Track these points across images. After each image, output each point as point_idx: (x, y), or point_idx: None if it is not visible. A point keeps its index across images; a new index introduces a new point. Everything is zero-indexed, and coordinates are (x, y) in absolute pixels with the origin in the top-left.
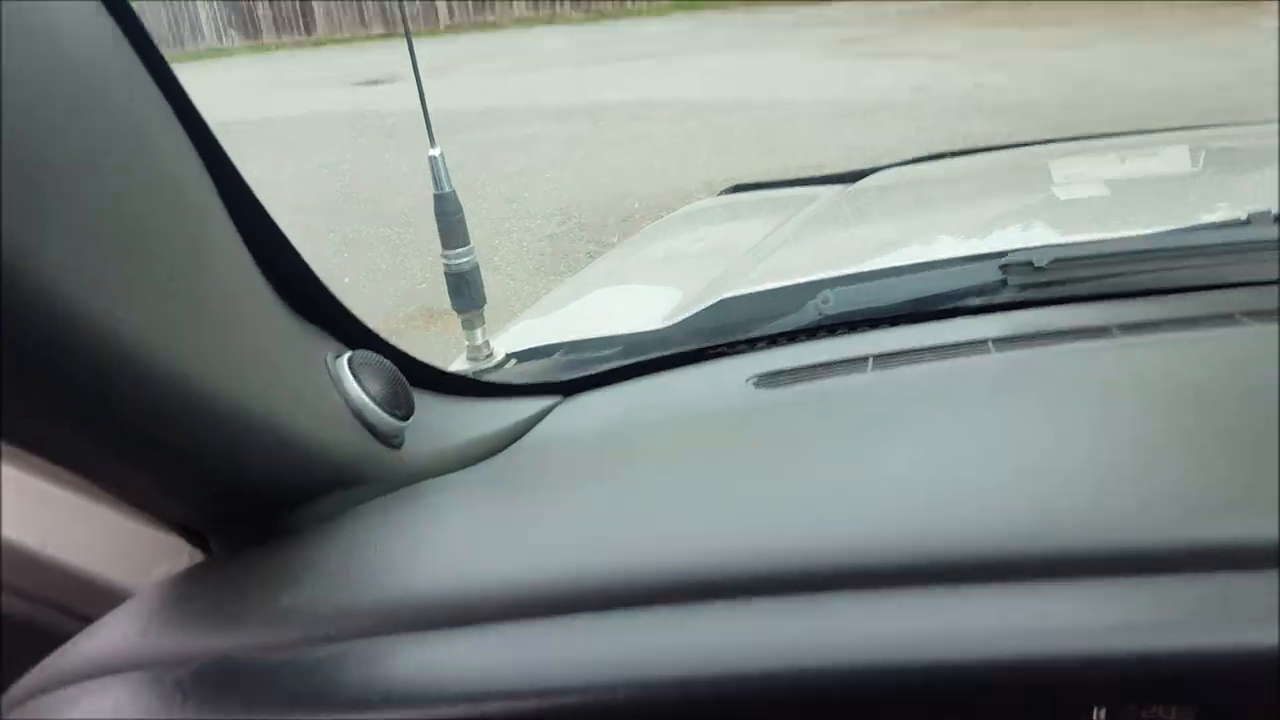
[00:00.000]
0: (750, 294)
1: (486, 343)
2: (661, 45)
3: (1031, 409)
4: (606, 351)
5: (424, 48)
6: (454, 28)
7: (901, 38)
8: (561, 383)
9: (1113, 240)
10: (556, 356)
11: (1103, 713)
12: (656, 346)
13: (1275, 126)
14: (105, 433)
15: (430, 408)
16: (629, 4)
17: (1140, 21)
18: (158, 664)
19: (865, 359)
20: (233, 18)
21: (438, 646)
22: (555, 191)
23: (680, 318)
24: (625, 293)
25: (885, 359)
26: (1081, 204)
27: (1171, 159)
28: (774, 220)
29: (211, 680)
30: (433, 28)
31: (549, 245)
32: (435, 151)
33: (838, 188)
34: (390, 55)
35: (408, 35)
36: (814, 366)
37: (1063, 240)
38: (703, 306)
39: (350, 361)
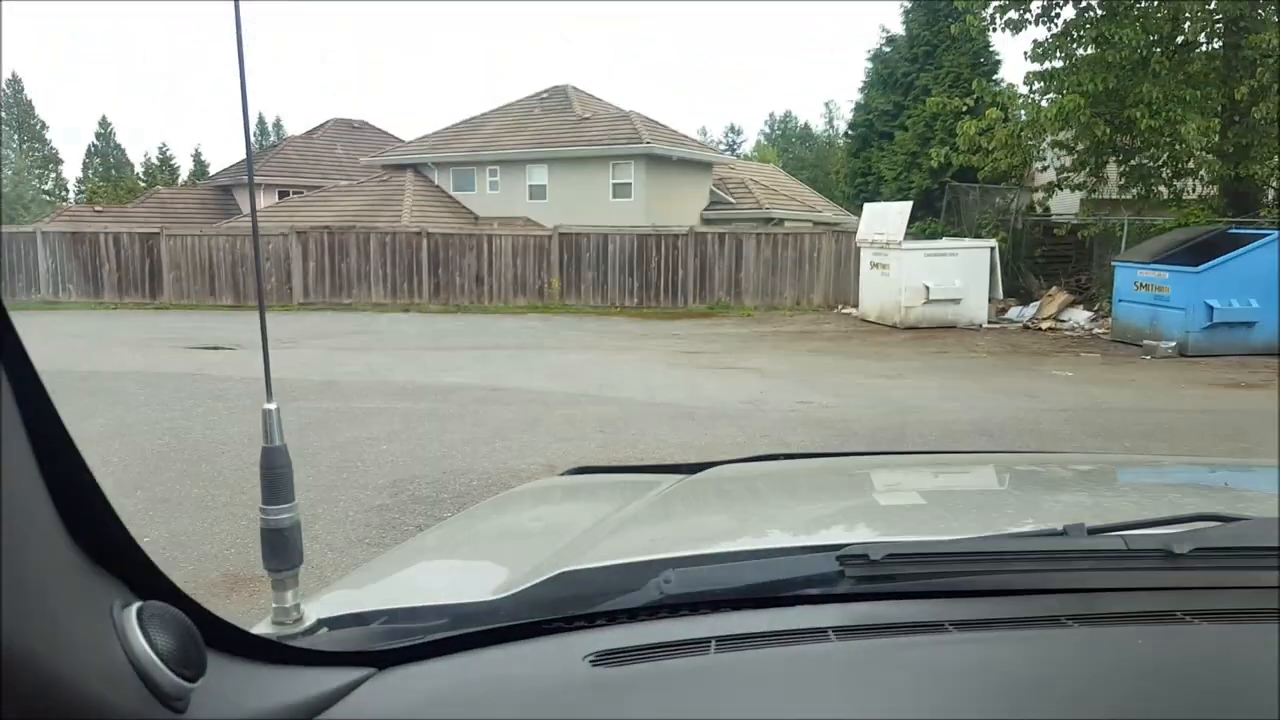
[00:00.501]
0: (590, 569)
1: (297, 605)
2: (515, 340)
3: (873, 699)
4: (430, 622)
5: (275, 321)
6: (308, 305)
7: (736, 355)
8: (377, 653)
9: (943, 541)
10: (373, 625)
11: None
12: (486, 618)
13: (1070, 456)
14: None
15: (225, 671)
16: (487, 302)
17: (946, 362)
18: None
19: (707, 641)
20: (74, 274)
21: None
22: (390, 464)
23: (514, 590)
24: (455, 564)
25: (727, 642)
26: (906, 509)
27: (983, 475)
28: (614, 503)
29: None
30: (285, 303)
31: (376, 516)
32: (271, 405)
33: (677, 477)
34: (236, 324)
35: (259, 272)
36: (655, 646)
37: (892, 539)
38: (539, 580)
39: (140, 613)
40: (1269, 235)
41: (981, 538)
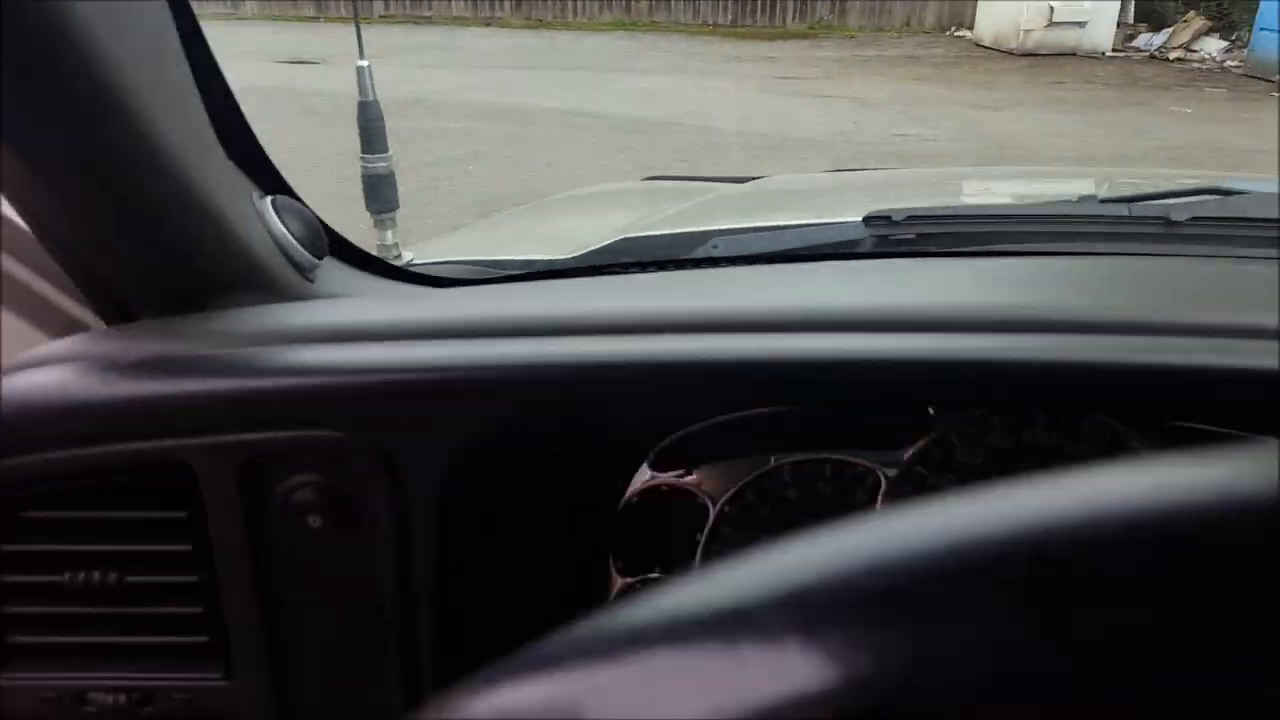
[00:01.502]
0: (648, 235)
1: (396, 244)
2: (600, 60)
3: (896, 287)
4: (509, 271)
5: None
6: (388, 17)
7: (831, 82)
8: (462, 280)
9: (960, 206)
10: (460, 264)
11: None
12: (557, 267)
13: (1134, 170)
14: (92, 189)
15: (336, 267)
16: (571, 18)
17: (1059, 94)
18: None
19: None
20: None
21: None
22: (476, 185)
23: (583, 250)
24: (535, 232)
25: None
26: (939, 190)
27: (1028, 178)
28: (682, 202)
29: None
30: (366, 15)
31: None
32: (363, 62)
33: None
34: (319, 38)
35: None
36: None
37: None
38: (604, 243)
39: (274, 202)
40: None
41: (996, 204)
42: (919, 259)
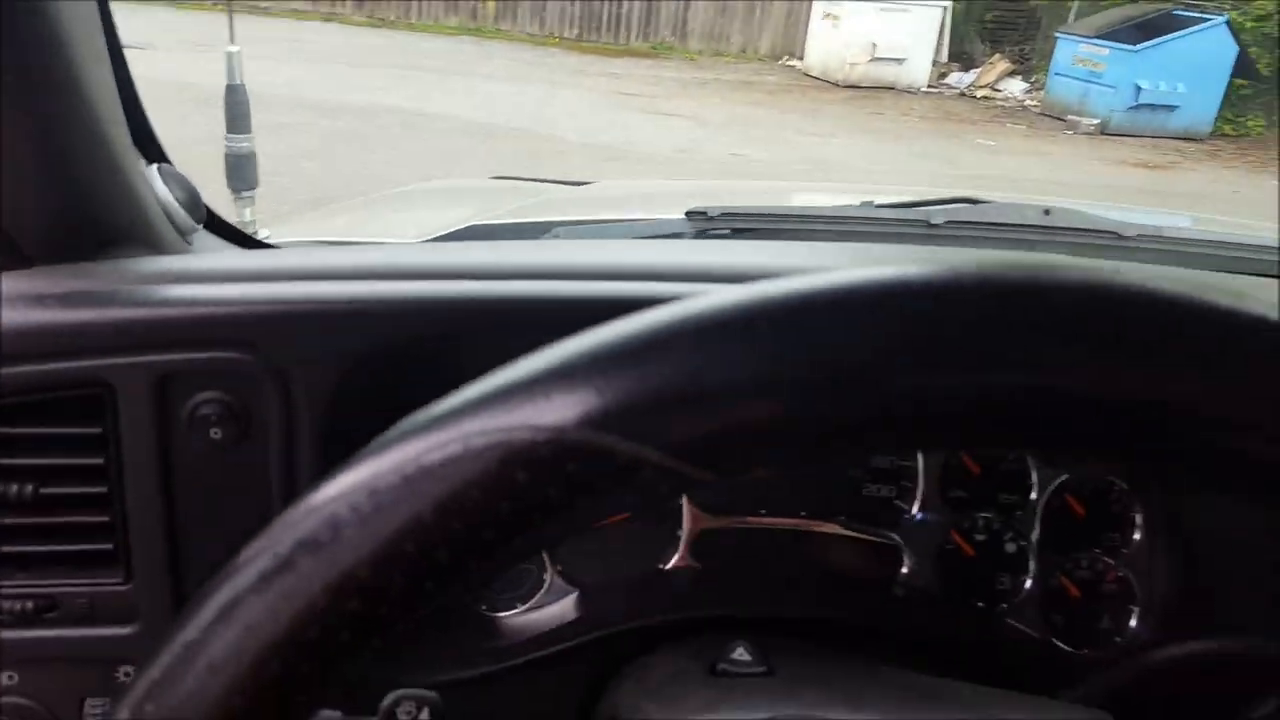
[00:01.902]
0: (494, 224)
1: (254, 222)
2: (443, 63)
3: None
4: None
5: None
6: (222, 6)
7: (672, 101)
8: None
9: (768, 207)
10: (316, 243)
11: None
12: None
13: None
14: (12, 130)
15: (210, 234)
16: (415, 19)
17: (879, 124)
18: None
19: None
20: None
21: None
22: (309, 182)
23: (431, 236)
24: (383, 218)
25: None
26: (757, 195)
27: (848, 196)
28: (526, 199)
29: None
30: (199, 2)
31: None
32: (233, 48)
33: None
34: (139, 21)
35: None
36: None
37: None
38: (453, 229)
39: (160, 169)
40: (1212, 20)
41: (797, 206)
42: (727, 240)
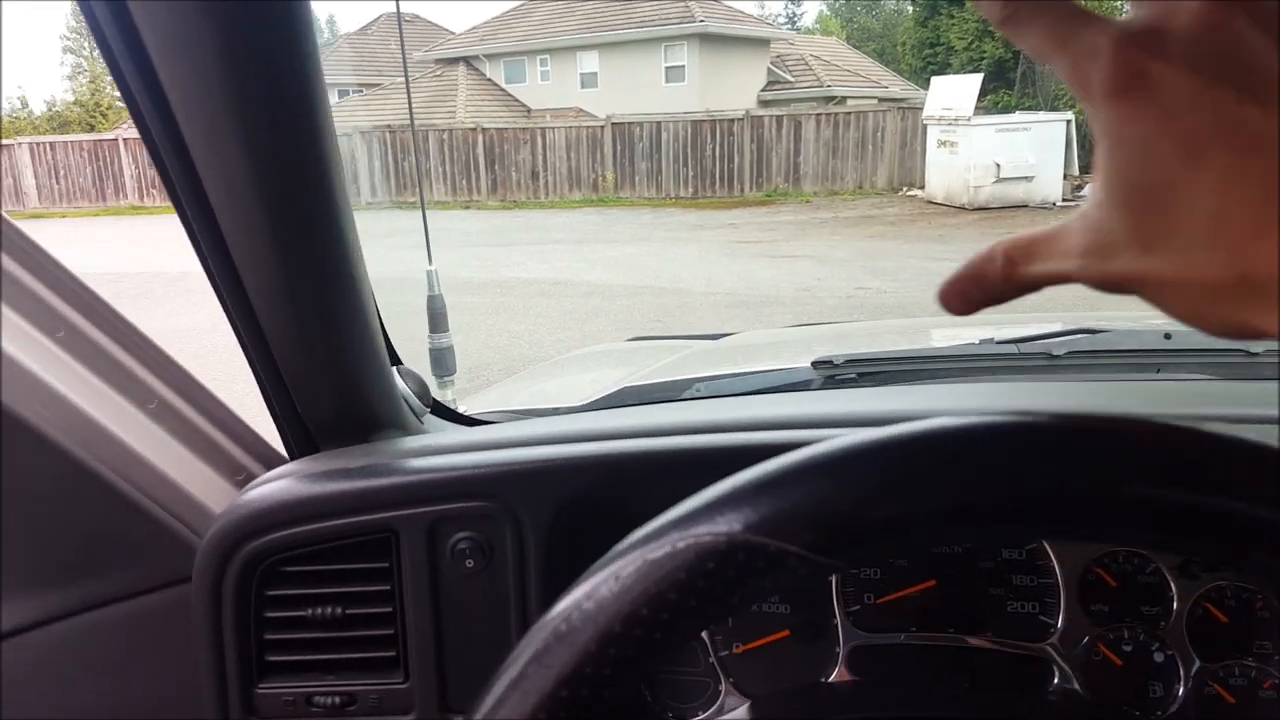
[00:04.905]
0: (644, 384)
1: (454, 400)
2: (572, 234)
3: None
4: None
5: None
6: (375, 205)
7: (791, 244)
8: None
9: (890, 351)
10: (505, 413)
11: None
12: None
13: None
14: (319, 334)
15: (434, 418)
16: (543, 197)
17: None
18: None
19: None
20: (156, 179)
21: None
22: (464, 354)
23: (591, 399)
24: (547, 387)
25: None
26: (877, 338)
27: (967, 331)
28: (666, 358)
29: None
30: (354, 202)
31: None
32: (431, 267)
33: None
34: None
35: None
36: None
37: (854, 352)
38: (609, 391)
39: (399, 370)
40: None
41: (919, 348)
42: (855, 389)
